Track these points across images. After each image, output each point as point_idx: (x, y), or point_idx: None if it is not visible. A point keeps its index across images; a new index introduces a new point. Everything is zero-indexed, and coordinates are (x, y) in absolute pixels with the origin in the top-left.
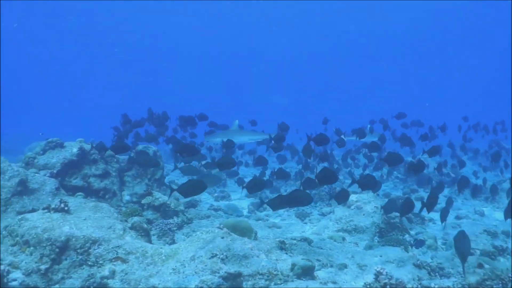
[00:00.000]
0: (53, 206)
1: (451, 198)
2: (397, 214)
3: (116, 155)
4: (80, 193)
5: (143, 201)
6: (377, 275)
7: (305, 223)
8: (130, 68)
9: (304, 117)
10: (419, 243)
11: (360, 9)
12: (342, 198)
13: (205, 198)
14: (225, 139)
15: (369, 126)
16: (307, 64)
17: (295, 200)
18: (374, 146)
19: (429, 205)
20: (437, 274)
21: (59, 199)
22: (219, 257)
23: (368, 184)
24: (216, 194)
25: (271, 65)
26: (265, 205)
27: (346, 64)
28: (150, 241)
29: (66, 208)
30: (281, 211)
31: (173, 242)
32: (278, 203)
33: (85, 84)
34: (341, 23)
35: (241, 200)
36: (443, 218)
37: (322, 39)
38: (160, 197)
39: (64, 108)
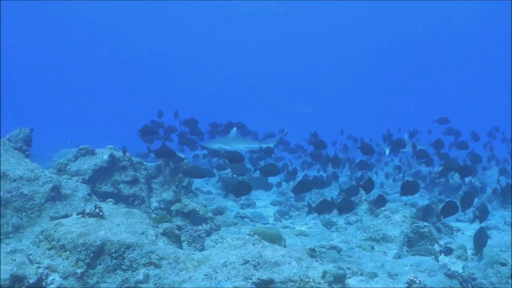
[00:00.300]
0: (87, 211)
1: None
2: (427, 224)
3: (144, 163)
4: (110, 199)
5: (172, 208)
6: (410, 283)
7: (332, 231)
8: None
9: (326, 126)
10: (448, 251)
11: (381, 18)
12: (380, 203)
13: (231, 206)
14: (223, 146)
15: (406, 135)
16: (331, 74)
17: (342, 207)
18: (421, 154)
19: (465, 204)
20: (469, 284)
21: (94, 205)
22: (251, 264)
23: (411, 190)
24: (241, 202)
25: (295, 74)
26: (290, 213)
27: (366, 73)
28: (181, 247)
29: (100, 213)
30: (307, 219)
31: (203, 248)
32: (324, 208)
33: (85, 87)
34: (361, 32)
35: (266, 208)
36: (484, 218)
37: (344, 48)
38: (189, 203)
39: (65, 111)
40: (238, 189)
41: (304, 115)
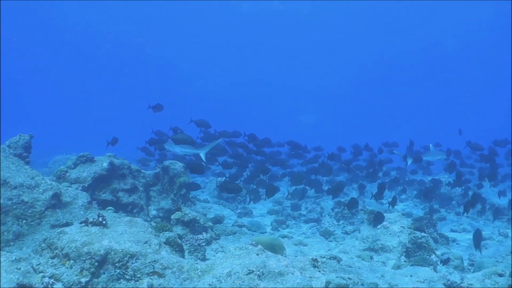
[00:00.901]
0: (91, 220)
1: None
2: (424, 234)
3: (142, 171)
4: (110, 207)
5: (172, 217)
6: None
7: (330, 241)
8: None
9: (330, 136)
10: (446, 261)
11: (384, 29)
12: (394, 203)
13: (228, 214)
14: (168, 147)
15: (430, 145)
16: (334, 83)
17: (377, 219)
18: (452, 166)
19: (472, 203)
20: None
21: (97, 213)
22: (255, 274)
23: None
24: (238, 211)
25: (299, 83)
26: (287, 223)
27: (372, 83)
28: (183, 257)
29: (104, 222)
30: (304, 228)
31: (204, 257)
32: (353, 205)
33: (76, 90)
34: (367, 43)
35: (263, 217)
36: (496, 215)
37: (350, 58)
38: (189, 212)
39: (55, 116)
40: (269, 191)
41: (307, 125)
